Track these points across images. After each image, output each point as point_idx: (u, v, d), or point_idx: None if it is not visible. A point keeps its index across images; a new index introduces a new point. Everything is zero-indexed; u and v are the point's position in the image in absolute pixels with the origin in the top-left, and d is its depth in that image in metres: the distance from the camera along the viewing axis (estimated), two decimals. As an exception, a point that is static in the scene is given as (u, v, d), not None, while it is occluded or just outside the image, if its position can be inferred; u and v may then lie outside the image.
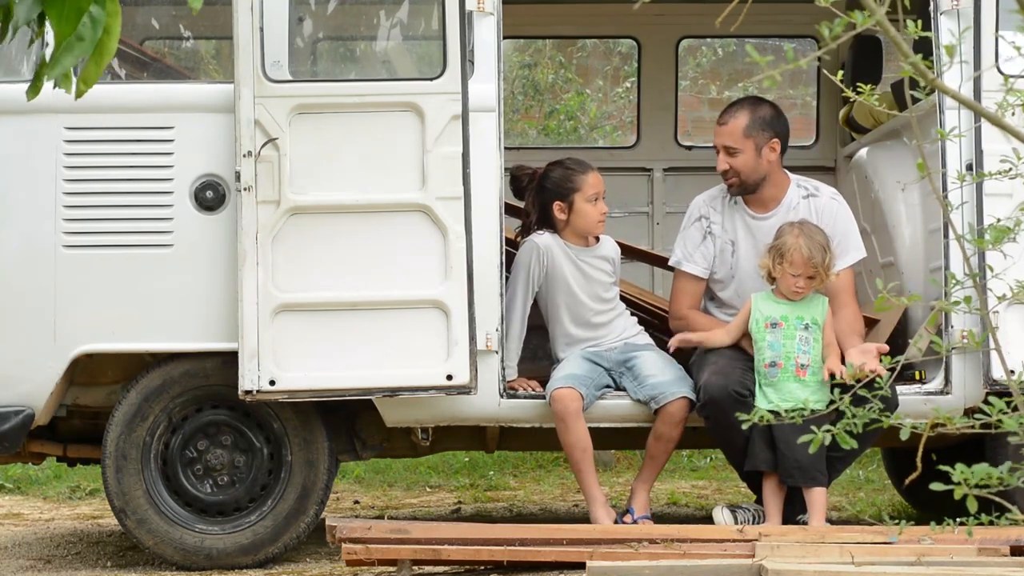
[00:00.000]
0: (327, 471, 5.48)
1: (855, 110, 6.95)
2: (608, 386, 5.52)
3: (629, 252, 6.13)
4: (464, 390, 5.23)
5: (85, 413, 5.70)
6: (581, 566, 4.79)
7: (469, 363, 5.20)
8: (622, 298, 5.79)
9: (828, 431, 2.85)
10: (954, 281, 3.24)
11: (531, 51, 11.70)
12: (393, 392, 5.26)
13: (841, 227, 5.53)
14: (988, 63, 5.23)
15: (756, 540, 4.86)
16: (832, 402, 3.03)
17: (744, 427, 3.62)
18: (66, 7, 2.37)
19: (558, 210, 5.63)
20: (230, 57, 5.31)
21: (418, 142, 5.22)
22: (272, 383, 5.19)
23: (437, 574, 5.14)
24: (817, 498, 5.22)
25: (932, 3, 5.40)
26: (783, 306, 5.34)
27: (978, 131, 5.23)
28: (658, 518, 5.70)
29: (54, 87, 2.55)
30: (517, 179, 5.77)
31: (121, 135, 5.37)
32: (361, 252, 5.24)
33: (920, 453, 2.86)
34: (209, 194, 5.34)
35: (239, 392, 5.20)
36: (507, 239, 5.56)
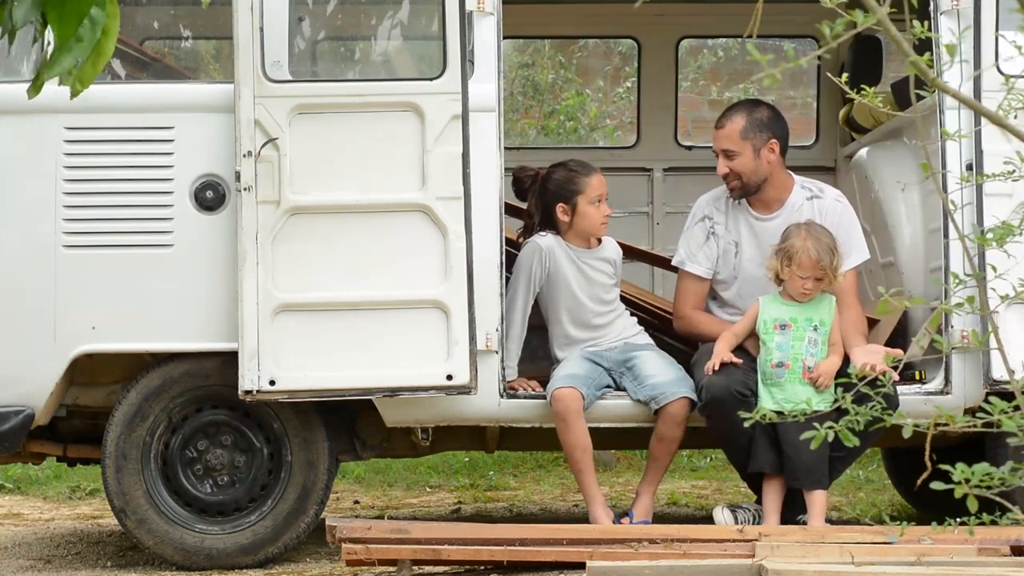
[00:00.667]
0: (327, 471, 5.48)
1: (855, 110, 6.95)
2: (608, 386, 5.52)
3: (629, 252, 6.13)
4: (464, 390, 5.23)
5: (85, 413, 5.69)
6: (581, 566, 4.79)
7: (469, 363, 5.20)
8: (623, 298, 5.79)
9: (831, 427, 2.85)
10: (956, 281, 3.23)
11: (531, 51, 11.69)
12: (393, 392, 5.25)
13: (845, 228, 5.54)
14: (988, 63, 5.23)
15: (756, 540, 4.86)
16: (836, 402, 3.03)
17: (746, 425, 3.62)
18: (66, 9, 2.37)
19: (561, 212, 5.63)
20: (230, 57, 5.31)
21: (418, 142, 5.22)
22: (272, 383, 5.19)
23: (437, 574, 5.14)
24: (818, 500, 5.22)
25: (932, 3, 5.40)
26: (792, 308, 5.34)
27: (978, 132, 5.23)
28: (658, 518, 5.70)
29: (59, 83, 2.55)
30: (519, 180, 5.77)
31: (121, 135, 5.37)
32: (361, 252, 5.24)
33: (927, 452, 2.86)
34: (209, 194, 5.34)
35: (239, 392, 5.20)
36: (508, 239, 5.57)
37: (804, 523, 5.20)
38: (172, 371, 5.44)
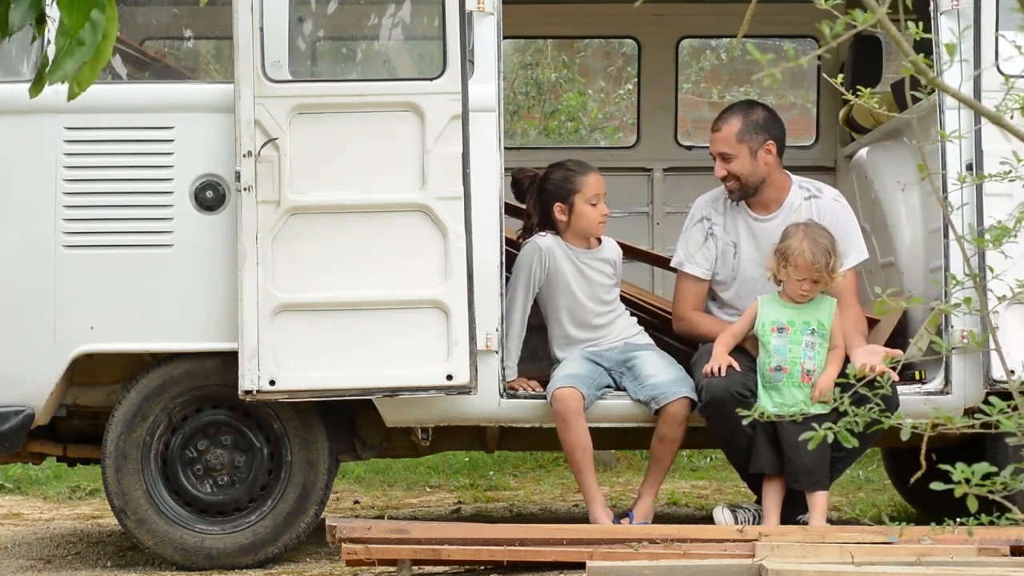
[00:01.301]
0: (327, 471, 5.48)
1: (855, 110, 6.95)
2: (608, 386, 5.52)
3: (629, 252, 6.13)
4: (464, 390, 5.23)
5: (85, 413, 5.69)
6: (581, 566, 4.79)
7: (469, 363, 5.20)
8: (623, 298, 5.78)
9: (830, 428, 2.85)
10: (954, 281, 3.23)
11: (531, 51, 11.69)
12: (393, 392, 5.25)
13: (844, 228, 5.54)
14: (988, 62, 5.23)
15: (756, 540, 4.86)
16: (835, 403, 3.03)
17: (744, 423, 3.62)
18: (76, 1, 2.36)
19: (559, 212, 5.63)
20: (230, 57, 5.31)
21: (418, 142, 5.22)
22: (272, 383, 5.19)
23: (437, 574, 5.14)
24: (819, 500, 5.22)
25: (932, 3, 5.40)
26: (790, 310, 5.33)
27: (978, 132, 5.23)
28: (658, 518, 5.70)
29: (61, 83, 2.55)
30: (518, 182, 5.77)
31: (121, 135, 5.37)
32: (361, 252, 5.24)
33: (924, 452, 2.86)
34: (209, 194, 5.34)
35: (239, 392, 5.20)
36: (508, 239, 5.57)
37: (804, 523, 5.20)
38: (172, 371, 5.44)
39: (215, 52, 9.18)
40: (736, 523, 5.29)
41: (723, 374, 5.23)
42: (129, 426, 5.42)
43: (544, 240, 5.62)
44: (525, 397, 5.46)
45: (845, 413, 2.92)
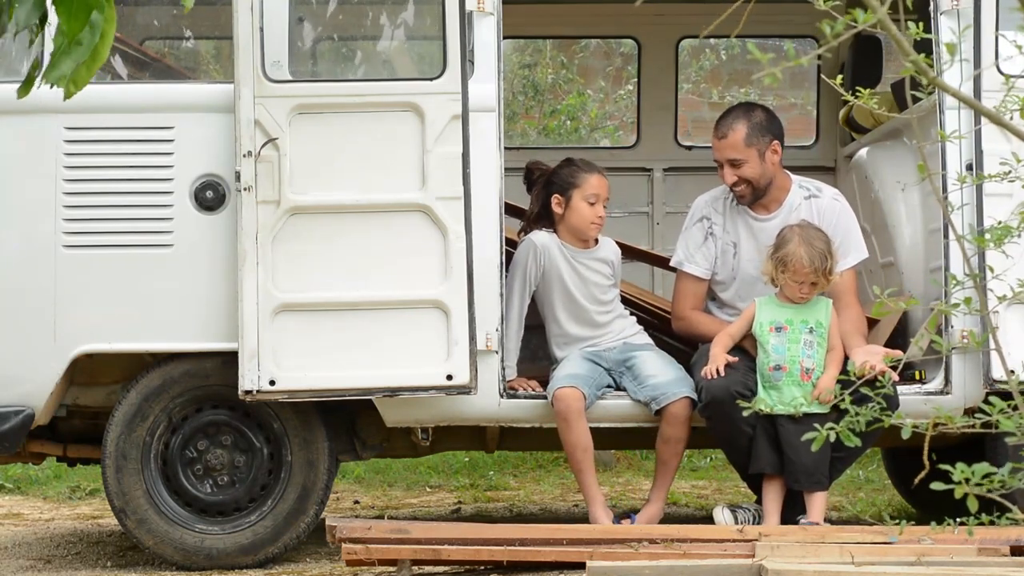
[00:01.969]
0: (327, 471, 5.48)
1: (855, 110, 6.95)
2: (608, 386, 5.52)
3: (629, 252, 6.13)
4: (464, 390, 5.23)
5: (85, 413, 5.70)
6: (581, 566, 4.79)
7: (469, 363, 5.20)
8: (623, 298, 5.78)
9: (831, 428, 2.85)
10: (954, 281, 3.23)
11: (531, 51, 11.69)
12: (393, 392, 5.26)
13: (843, 228, 5.54)
14: (988, 62, 5.23)
15: (756, 540, 4.86)
16: (836, 404, 3.03)
17: (745, 414, 3.62)
18: (75, 4, 2.36)
19: (555, 203, 5.64)
20: (230, 57, 5.31)
21: (418, 142, 5.22)
22: (272, 383, 5.19)
23: (437, 574, 5.14)
24: (818, 500, 5.23)
25: (932, 3, 5.40)
26: (787, 310, 5.34)
27: (978, 132, 5.24)
28: (658, 518, 5.70)
29: (51, 87, 2.54)
30: (529, 172, 5.78)
31: (121, 135, 5.37)
32: (361, 252, 5.24)
33: (926, 452, 2.86)
34: (209, 194, 5.34)
35: (239, 392, 5.20)
36: (508, 239, 5.57)
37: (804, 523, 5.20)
38: (172, 371, 5.44)
39: (215, 52, 9.18)
40: (736, 523, 5.29)
41: (722, 374, 5.23)
42: (129, 426, 5.42)
43: (540, 237, 5.62)
44: (525, 397, 5.46)
45: (845, 412, 2.92)
